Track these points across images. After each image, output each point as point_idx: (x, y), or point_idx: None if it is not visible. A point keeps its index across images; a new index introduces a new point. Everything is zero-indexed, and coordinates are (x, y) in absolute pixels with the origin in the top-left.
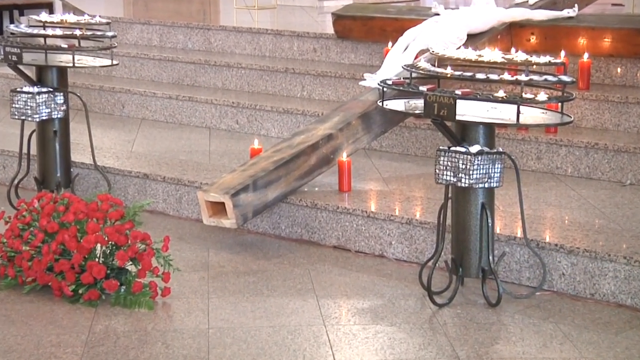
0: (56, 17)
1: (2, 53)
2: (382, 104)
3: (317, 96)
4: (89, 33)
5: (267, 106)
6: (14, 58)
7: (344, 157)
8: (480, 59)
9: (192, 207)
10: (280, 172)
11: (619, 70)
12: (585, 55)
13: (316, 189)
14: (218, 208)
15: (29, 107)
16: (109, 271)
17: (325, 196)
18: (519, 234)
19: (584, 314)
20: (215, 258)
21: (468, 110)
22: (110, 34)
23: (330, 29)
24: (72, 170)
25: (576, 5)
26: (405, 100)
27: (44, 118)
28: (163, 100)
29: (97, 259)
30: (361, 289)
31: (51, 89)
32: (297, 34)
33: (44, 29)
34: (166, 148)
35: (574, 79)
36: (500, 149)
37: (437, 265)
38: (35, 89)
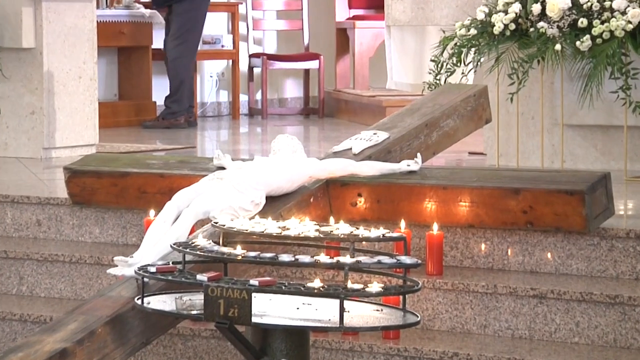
0: None
1: None
2: (142, 302)
3: (43, 292)
4: None
5: None
6: None
7: None
8: (285, 232)
9: None
10: None
11: (482, 246)
12: (435, 226)
13: None
14: None
15: None
16: None
17: None
18: None
19: None
20: None
21: (270, 309)
22: None
23: (62, 191)
24: None
25: (419, 154)
26: (177, 295)
27: None
28: None
29: None
30: None
31: None
32: (12, 200)
33: None
34: None
35: (420, 261)
36: None
37: None
38: None
